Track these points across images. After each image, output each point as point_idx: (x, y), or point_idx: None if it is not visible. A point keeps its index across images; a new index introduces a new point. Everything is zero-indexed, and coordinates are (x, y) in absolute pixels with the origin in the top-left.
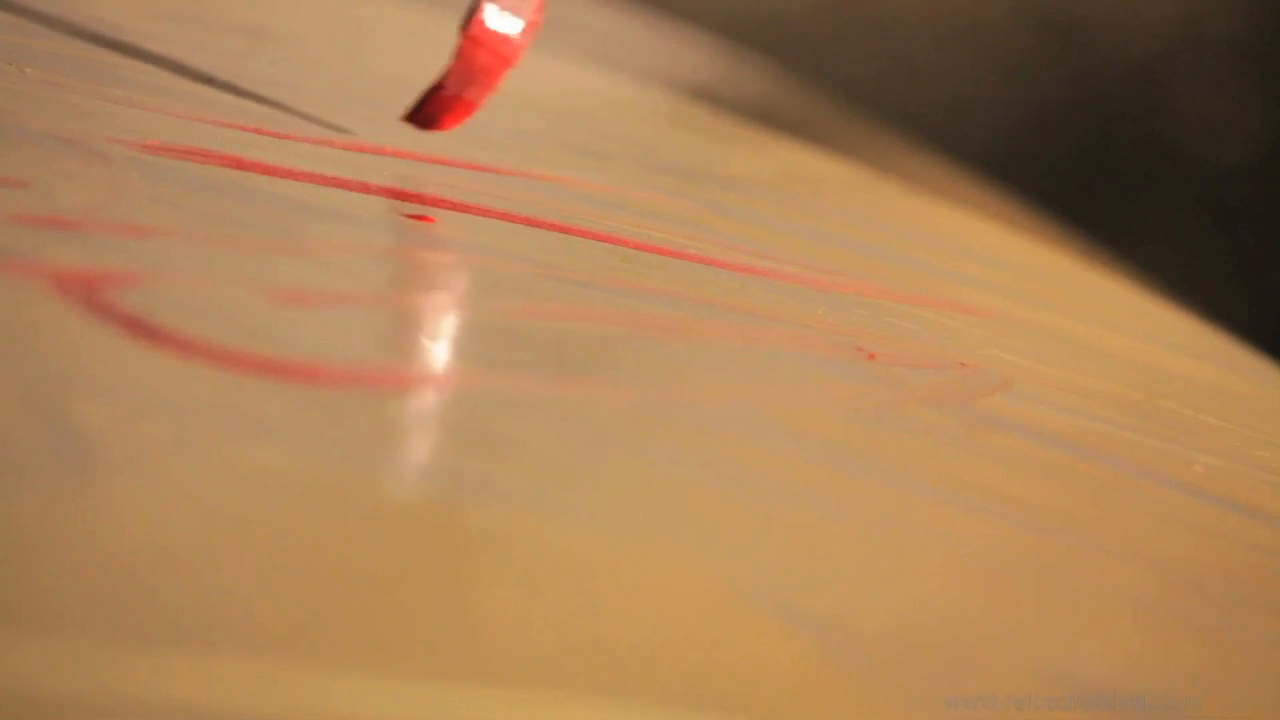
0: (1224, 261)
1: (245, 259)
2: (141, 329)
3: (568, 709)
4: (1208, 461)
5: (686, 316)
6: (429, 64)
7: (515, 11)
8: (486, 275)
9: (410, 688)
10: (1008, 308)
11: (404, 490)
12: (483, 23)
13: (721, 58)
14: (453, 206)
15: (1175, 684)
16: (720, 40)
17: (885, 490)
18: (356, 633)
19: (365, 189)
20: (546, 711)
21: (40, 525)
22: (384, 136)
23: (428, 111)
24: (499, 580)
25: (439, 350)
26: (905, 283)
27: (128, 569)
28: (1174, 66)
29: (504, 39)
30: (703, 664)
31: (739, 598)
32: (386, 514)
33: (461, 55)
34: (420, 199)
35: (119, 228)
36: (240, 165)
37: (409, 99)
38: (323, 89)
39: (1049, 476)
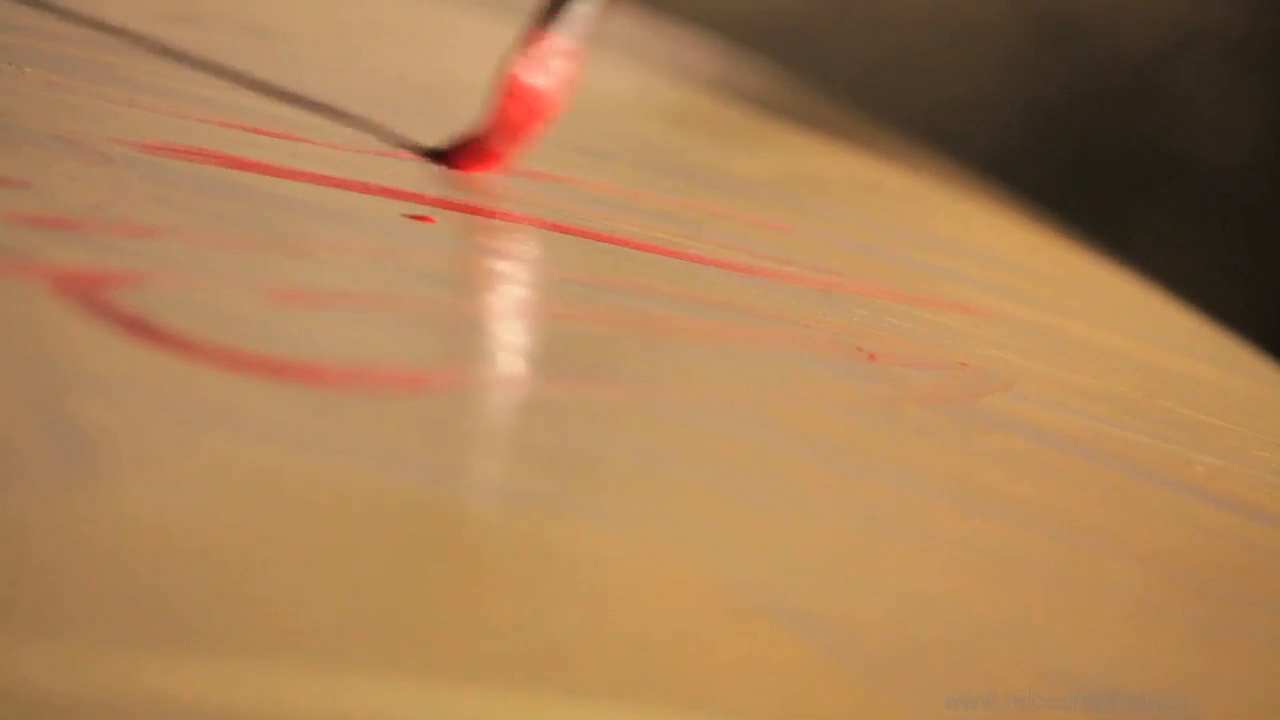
0: (1224, 261)
1: (245, 259)
2: (141, 329)
3: (568, 709)
4: (1208, 461)
5: (686, 316)
6: (430, 62)
7: (550, 66)
8: (486, 275)
9: (411, 687)
10: (1008, 308)
11: (404, 490)
12: (518, 80)
13: (721, 57)
14: (453, 206)
15: (1175, 683)
16: (720, 39)
17: (885, 490)
18: (356, 632)
19: (365, 189)
20: (547, 711)
21: (40, 525)
22: (385, 135)
23: (456, 158)
24: (499, 580)
25: (440, 350)
26: (905, 283)
27: (128, 569)
28: (1174, 65)
29: (538, 94)
30: (703, 664)
31: (739, 597)
32: (386, 514)
33: (497, 112)
34: (420, 199)
35: (119, 228)
36: (240, 165)
37: (409, 98)
38: (324, 89)
39: (1049, 476)
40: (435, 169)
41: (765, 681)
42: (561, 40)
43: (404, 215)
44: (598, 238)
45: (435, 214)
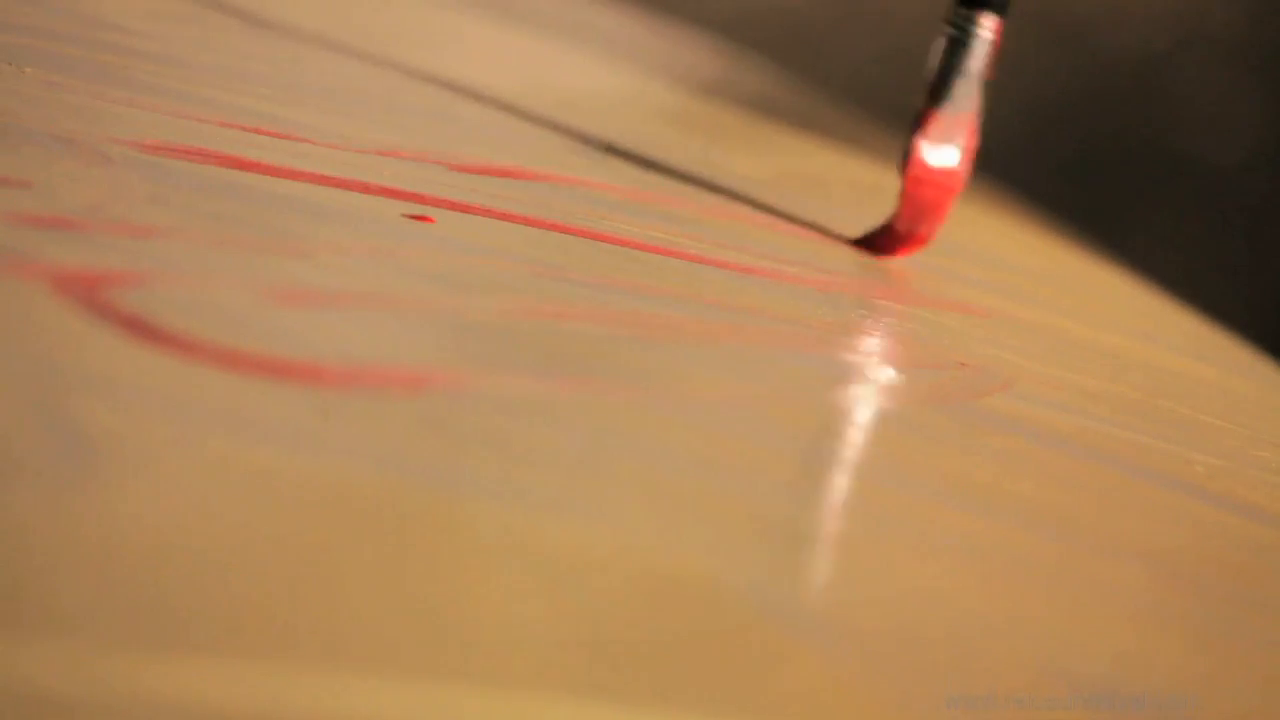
0: (1223, 261)
1: (245, 259)
2: (141, 329)
3: (568, 709)
4: (1208, 461)
5: (686, 316)
6: (432, 61)
7: (950, 141)
8: (487, 275)
9: (410, 687)
10: (1008, 308)
11: (403, 490)
12: (922, 162)
13: (721, 56)
14: (453, 206)
15: (1175, 683)
16: (720, 38)
17: (885, 490)
18: (355, 632)
19: (365, 189)
20: (546, 711)
21: (41, 525)
22: (385, 136)
23: (881, 245)
24: (498, 579)
25: (440, 350)
26: (905, 283)
27: (128, 569)
28: (1174, 66)
29: (945, 172)
30: (702, 663)
31: (739, 598)
32: (386, 513)
33: (907, 196)
34: (420, 199)
35: (119, 228)
36: (240, 165)
37: (410, 97)
38: (324, 88)
39: (1049, 476)
40: (860, 256)
41: (765, 681)
42: (954, 113)
43: (404, 215)
44: (598, 238)
45: (435, 214)
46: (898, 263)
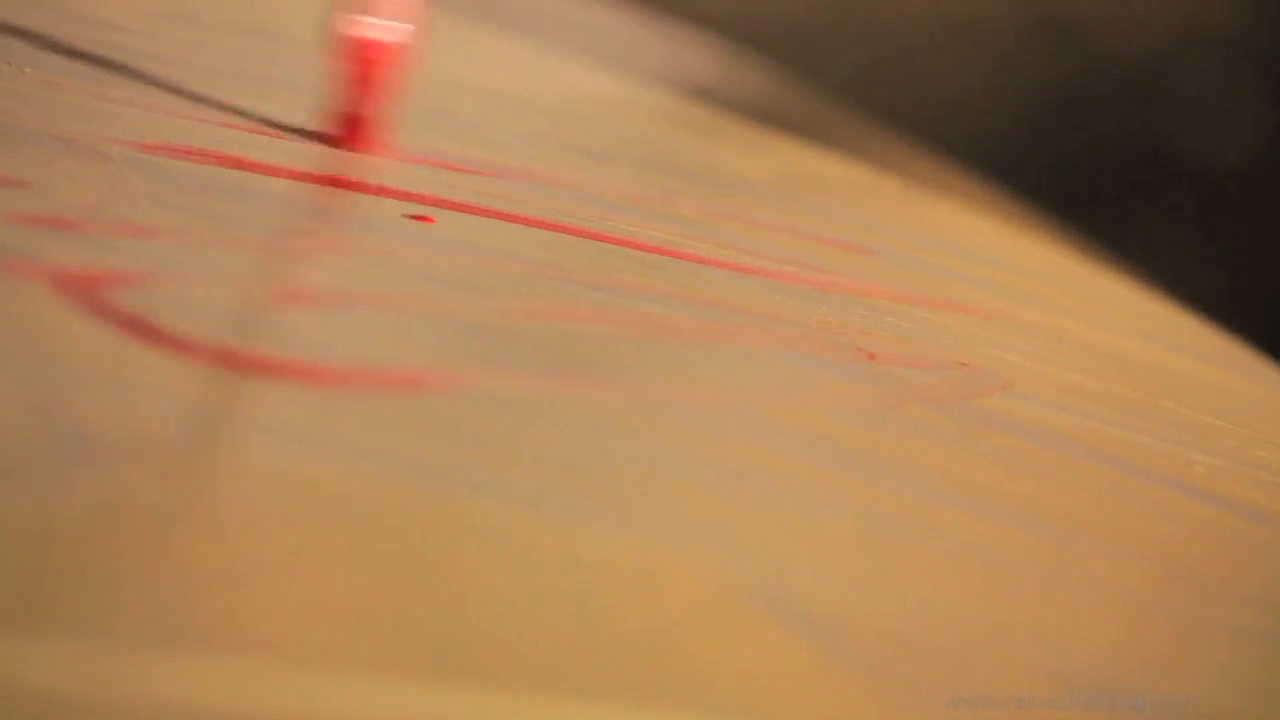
0: (1224, 262)
1: (245, 259)
2: (141, 329)
3: (567, 709)
4: (1208, 461)
5: (686, 316)
6: (431, 62)
7: (370, 12)
8: (486, 275)
9: (409, 688)
10: (1008, 308)
11: (403, 490)
12: (339, 34)
13: (721, 57)
14: (453, 206)
15: (1176, 683)
16: (720, 40)
17: (885, 490)
18: (356, 632)
19: (365, 189)
20: (546, 711)
21: (39, 524)
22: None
23: (339, 137)
24: (498, 580)
25: (440, 350)
26: (905, 283)
27: (127, 570)
28: (1174, 66)
29: (368, 43)
30: (702, 664)
31: (738, 598)
32: (386, 514)
33: (335, 73)
34: (420, 199)
35: (119, 228)
36: (240, 165)
37: (409, 97)
38: (324, 89)
39: (1049, 476)
40: (329, 151)
41: (765, 682)
42: None
43: (404, 215)
44: (598, 238)
45: (435, 214)
46: (893, 261)
